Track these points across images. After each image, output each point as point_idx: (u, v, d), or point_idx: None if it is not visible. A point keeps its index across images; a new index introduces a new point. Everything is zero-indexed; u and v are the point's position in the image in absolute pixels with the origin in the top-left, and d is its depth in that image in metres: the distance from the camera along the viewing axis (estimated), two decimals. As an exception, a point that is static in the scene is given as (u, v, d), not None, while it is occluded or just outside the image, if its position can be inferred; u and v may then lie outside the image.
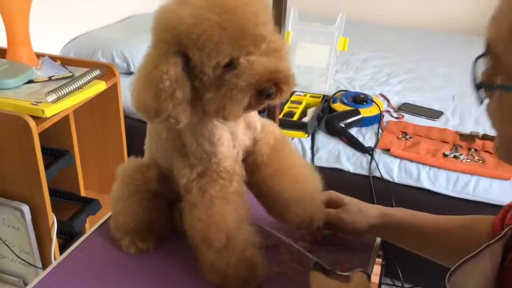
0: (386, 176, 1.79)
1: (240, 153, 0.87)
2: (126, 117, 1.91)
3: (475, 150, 1.81)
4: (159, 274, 0.91)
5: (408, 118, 2.05)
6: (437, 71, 2.53)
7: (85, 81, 1.58)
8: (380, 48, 2.83)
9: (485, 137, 1.66)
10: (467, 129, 1.93)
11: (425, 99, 2.20)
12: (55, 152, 1.70)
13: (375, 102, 2.05)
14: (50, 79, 1.62)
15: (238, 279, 0.84)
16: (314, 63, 2.30)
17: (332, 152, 1.86)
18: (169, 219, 0.97)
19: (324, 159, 1.86)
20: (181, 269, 0.91)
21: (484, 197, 1.68)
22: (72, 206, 1.75)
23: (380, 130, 1.95)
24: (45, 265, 1.55)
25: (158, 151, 0.91)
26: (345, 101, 2.06)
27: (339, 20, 2.28)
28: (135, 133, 1.76)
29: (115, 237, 0.97)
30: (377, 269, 1.03)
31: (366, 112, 1.98)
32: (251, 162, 0.89)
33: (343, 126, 1.92)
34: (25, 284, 1.61)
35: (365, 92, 2.18)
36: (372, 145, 1.86)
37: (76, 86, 1.54)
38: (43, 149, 1.46)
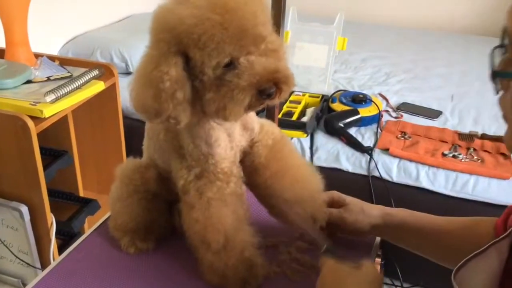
0: (385, 175, 1.78)
1: (237, 155, 0.87)
2: (125, 117, 1.91)
3: (474, 149, 1.81)
4: (158, 274, 0.90)
5: (407, 117, 2.05)
6: (436, 71, 2.53)
7: (83, 81, 1.58)
8: (379, 48, 2.83)
9: (484, 136, 1.66)
10: (466, 129, 1.94)
11: (424, 98, 2.20)
12: (54, 153, 1.70)
13: (374, 102, 2.05)
14: (48, 79, 1.62)
15: (237, 280, 0.84)
16: (313, 63, 2.30)
17: (331, 152, 1.86)
18: (169, 219, 0.97)
19: (323, 159, 1.86)
20: (180, 269, 0.91)
21: (483, 197, 1.68)
22: (71, 206, 1.75)
23: (379, 130, 1.94)
24: (44, 266, 1.55)
25: (156, 152, 0.90)
26: (344, 101, 2.06)
27: (338, 20, 2.28)
28: (134, 133, 1.76)
29: (114, 237, 0.97)
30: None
31: (365, 112, 1.98)
32: (249, 163, 0.89)
33: (342, 125, 1.91)
34: (24, 285, 1.61)
35: (364, 92, 2.18)
36: (371, 145, 1.86)
37: (75, 86, 1.54)
38: (41, 149, 1.46)
